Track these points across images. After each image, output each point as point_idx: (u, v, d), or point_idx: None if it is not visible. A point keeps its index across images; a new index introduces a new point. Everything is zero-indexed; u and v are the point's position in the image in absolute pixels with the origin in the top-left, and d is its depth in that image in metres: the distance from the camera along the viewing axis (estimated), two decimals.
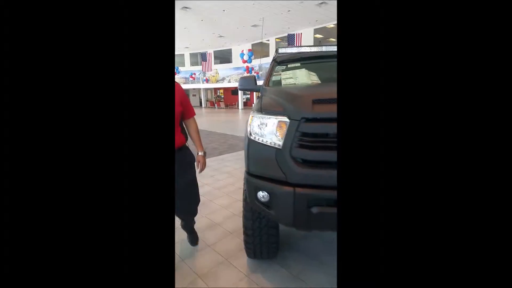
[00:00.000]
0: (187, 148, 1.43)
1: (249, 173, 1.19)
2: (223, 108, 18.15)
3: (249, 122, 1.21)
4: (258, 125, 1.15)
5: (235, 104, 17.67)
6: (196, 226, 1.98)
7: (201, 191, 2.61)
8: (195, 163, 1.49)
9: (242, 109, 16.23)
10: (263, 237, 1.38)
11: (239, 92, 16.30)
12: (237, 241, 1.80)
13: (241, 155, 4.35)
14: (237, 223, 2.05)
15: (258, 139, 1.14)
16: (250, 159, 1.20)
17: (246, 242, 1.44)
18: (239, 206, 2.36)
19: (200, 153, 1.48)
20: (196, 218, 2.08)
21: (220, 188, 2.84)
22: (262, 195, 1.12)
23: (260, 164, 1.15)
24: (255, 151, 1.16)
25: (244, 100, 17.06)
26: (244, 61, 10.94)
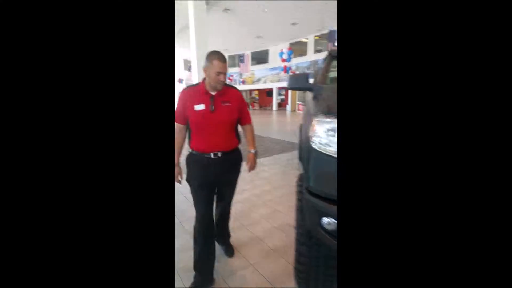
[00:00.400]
0: (239, 149, 1.42)
1: (310, 192, 0.95)
2: (257, 109, 18.12)
3: (311, 127, 0.97)
4: (325, 132, 0.91)
5: (269, 106, 17.51)
6: (237, 238, 1.82)
7: (240, 197, 2.50)
8: (244, 163, 1.45)
9: (276, 110, 15.99)
10: (320, 268, 1.13)
11: (274, 93, 16.10)
12: (282, 262, 1.57)
13: (277, 159, 4.12)
14: (280, 239, 1.83)
15: (324, 149, 0.90)
16: (312, 173, 0.96)
17: (298, 271, 1.20)
18: (279, 217, 2.14)
19: (252, 151, 1.44)
20: (237, 228, 1.93)
21: (259, 196, 2.65)
22: (328, 221, 0.87)
23: (326, 181, 0.90)
24: (319, 164, 0.92)
25: (279, 101, 16.81)
26: (283, 60, 10.65)
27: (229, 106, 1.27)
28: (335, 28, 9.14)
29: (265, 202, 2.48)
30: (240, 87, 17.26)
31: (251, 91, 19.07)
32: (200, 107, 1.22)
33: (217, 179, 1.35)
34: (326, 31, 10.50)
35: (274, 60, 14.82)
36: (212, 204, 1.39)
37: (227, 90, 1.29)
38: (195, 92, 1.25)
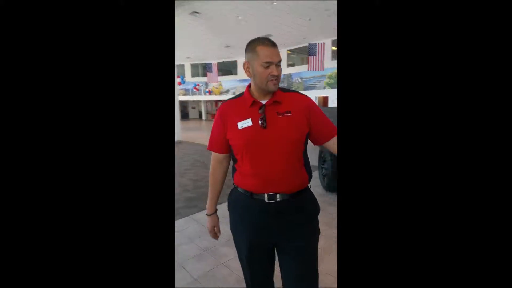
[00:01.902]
0: (310, 191, 0.93)
1: None
2: None
3: None
4: None
5: None
6: None
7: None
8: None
9: None
10: None
11: None
12: None
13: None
14: None
15: None
16: None
17: None
18: None
19: None
20: None
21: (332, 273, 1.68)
22: None
23: None
24: None
25: None
26: None
27: (291, 118, 0.86)
28: (313, 41, 9.05)
29: None
30: (206, 97, 16.23)
31: (216, 102, 18.22)
32: (245, 123, 0.85)
33: (276, 243, 0.90)
34: (302, 45, 10.44)
35: (244, 72, 14.32)
36: (272, 281, 0.99)
37: (285, 96, 0.89)
38: (238, 104, 0.89)
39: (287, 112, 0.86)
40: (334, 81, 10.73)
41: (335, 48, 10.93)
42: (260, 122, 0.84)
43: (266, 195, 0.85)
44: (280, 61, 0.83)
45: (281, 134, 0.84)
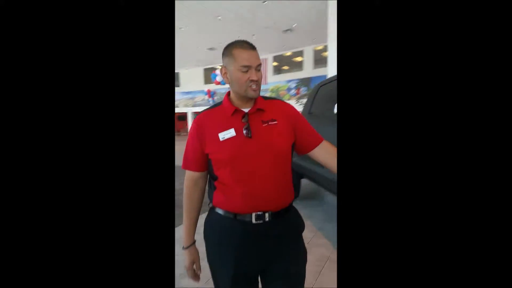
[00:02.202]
0: (295, 208, 0.89)
1: None
2: None
3: None
4: None
5: (182, 130, 16.02)
6: None
7: None
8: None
9: None
10: None
11: (189, 118, 15.02)
12: None
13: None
14: None
15: None
16: None
17: None
18: None
19: None
20: None
21: None
22: None
23: None
24: None
25: None
26: (218, 83, 9.80)
27: (277, 126, 0.80)
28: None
29: None
30: None
31: None
32: (228, 134, 0.78)
33: (262, 267, 0.82)
34: None
35: (187, 84, 13.94)
36: None
37: (268, 103, 0.84)
38: (216, 114, 0.82)
39: (272, 120, 0.80)
40: (276, 94, 11.46)
41: (276, 64, 11.79)
42: (244, 131, 0.77)
43: (253, 215, 0.76)
44: (260, 64, 0.76)
45: (268, 143, 0.78)
